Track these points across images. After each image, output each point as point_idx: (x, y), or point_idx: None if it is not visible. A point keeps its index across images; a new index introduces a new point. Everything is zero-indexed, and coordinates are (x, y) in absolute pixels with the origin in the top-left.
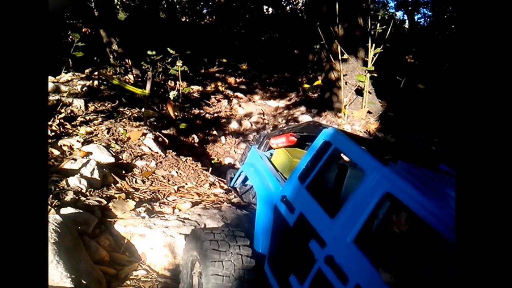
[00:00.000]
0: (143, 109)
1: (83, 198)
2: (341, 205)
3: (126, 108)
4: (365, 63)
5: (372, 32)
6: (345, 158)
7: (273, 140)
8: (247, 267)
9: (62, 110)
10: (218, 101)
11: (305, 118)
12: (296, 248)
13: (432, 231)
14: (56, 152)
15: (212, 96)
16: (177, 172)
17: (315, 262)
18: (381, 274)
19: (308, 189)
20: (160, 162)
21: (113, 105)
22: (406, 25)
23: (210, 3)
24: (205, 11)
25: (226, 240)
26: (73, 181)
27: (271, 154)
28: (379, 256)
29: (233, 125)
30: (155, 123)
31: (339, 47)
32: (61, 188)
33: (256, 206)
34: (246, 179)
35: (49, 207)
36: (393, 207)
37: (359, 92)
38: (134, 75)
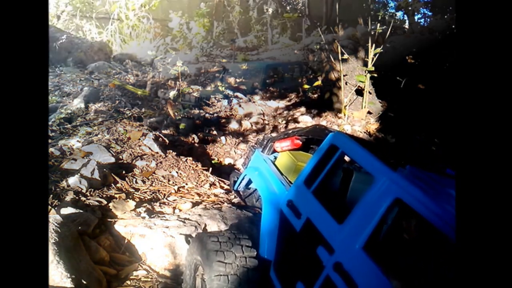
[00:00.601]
0: (143, 109)
1: (83, 198)
2: (348, 210)
3: (126, 108)
4: (365, 63)
5: (372, 32)
6: (347, 161)
7: (278, 143)
8: (253, 280)
9: (62, 110)
10: (218, 101)
11: (305, 119)
12: (303, 254)
13: (442, 237)
14: (56, 152)
15: (212, 96)
16: (177, 172)
17: (323, 268)
18: (391, 282)
19: (314, 194)
20: (160, 162)
21: (113, 105)
22: (406, 25)
23: (210, 3)
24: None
25: (232, 250)
26: (73, 181)
27: (275, 158)
28: (389, 263)
29: (233, 125)
30: (155, 123)
31: (339, 47)
32: (61, 188)
33: (259, 210)
34: (249, 182)
35: (49, 207)
36: (403, 213)
37: (359, 92)
38: (134, 75)
